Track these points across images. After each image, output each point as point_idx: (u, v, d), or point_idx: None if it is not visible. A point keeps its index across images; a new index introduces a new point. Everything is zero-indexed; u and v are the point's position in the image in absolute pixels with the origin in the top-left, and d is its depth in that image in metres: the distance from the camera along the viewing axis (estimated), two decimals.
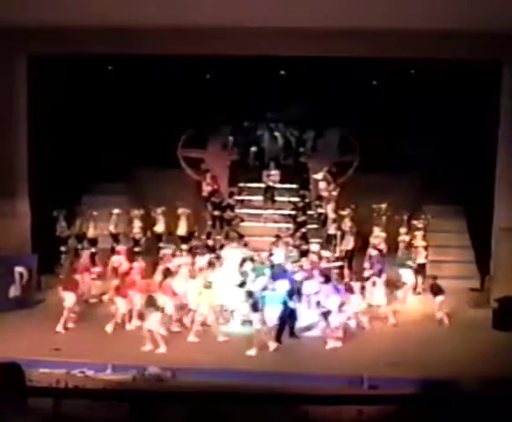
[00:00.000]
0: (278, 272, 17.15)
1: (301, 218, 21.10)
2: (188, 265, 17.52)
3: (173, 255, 18.44)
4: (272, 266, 17.55)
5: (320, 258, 18.36)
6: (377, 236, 19.42)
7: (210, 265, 17.90)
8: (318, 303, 16.21)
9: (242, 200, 22.03)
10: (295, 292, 16.26)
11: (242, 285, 16.47)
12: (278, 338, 15.56)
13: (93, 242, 20.22)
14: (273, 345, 15.23)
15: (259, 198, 22.02)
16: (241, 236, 20.21)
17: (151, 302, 15.34)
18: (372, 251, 19.13)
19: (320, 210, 21.14)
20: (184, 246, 19.52)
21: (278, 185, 22.01)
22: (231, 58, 17.87)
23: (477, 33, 15.85)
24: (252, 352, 14.87)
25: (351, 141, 21.90)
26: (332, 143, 22.31)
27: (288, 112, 23.03)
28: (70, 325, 16.21)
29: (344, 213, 20.13)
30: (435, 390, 4.60)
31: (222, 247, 19.50)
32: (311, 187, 21.82)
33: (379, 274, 17.47)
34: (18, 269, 17.84)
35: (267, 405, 5.16)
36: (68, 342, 15.08)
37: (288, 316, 15.87)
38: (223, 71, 19.63)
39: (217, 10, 14.86)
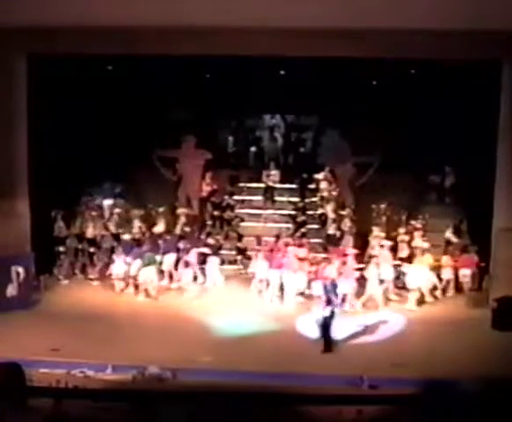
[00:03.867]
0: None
1: (301, 218, 21.10)
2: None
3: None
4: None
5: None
6: (377, 236, 19.43)
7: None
8: None
9: (242, 200, 22.02)
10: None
11: None
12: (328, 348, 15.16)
13: (93, 242, 20.24)
14: None
15: (259, 198, 22.02)
16: (240, 237, 20.20)
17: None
18: (372, 251, 19.18)
19: (320, 210, 21.14)
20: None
21: (278, 185, 22.00)
22: (231, 58, 17.87)
23: (477, 33, 15.84)
24: None
25: (372, 141, 21.75)
26: (339, 143, 22.22)
27: (287, 112, 23.02)
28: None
29: (344, 213, 20.14)
30: (435, 390, 4.59)
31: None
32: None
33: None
34: (16, 268, 17.83)
35: (267, 405, 5.16)
36: (68, 342, 15.08)
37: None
38: (223, 71, 19.62)
39: (217, 9, 14.85)
